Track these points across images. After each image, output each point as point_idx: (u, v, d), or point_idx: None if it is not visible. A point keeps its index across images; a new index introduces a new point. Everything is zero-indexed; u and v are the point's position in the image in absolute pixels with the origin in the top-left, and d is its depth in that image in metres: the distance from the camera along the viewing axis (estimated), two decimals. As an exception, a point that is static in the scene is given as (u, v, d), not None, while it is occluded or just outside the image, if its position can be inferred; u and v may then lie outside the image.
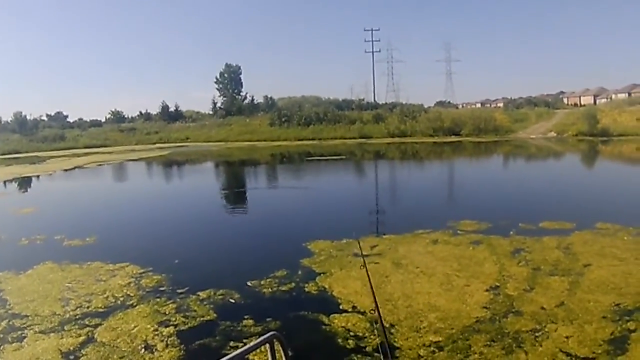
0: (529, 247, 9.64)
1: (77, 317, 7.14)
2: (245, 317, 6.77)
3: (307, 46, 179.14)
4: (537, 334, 5.85)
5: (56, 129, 75.76)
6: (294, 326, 6.53)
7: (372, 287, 4.24)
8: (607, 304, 6.65)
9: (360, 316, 6.56)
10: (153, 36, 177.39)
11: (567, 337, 5.73)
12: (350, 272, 8.44)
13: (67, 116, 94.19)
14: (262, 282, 8.13)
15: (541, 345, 5.58)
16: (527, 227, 11.25)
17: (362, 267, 4.70)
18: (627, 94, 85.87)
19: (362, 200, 17.59)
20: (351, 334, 6.14)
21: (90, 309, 7.44)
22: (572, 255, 9.02)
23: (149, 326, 6.66)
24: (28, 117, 76.62)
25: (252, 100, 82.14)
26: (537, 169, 27.88)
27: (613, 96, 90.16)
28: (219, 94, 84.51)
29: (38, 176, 31.25)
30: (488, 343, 5.72)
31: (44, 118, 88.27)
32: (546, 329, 5.95)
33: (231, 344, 6.02)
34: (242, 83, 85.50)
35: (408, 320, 6.37)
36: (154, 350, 6.02)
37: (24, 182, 28.39)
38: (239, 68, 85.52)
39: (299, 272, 8.64)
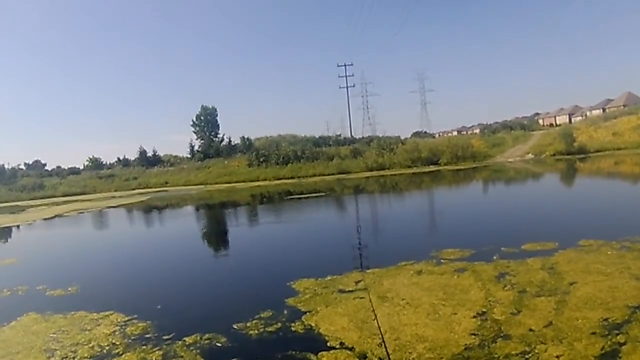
0: (514, 270, 9.64)
1: (63, 368, 6.96)
2: (233, 360, 6.65)
3: (281, 85, 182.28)
4: (527, 356, 5.80)
5: (35, 177, 75.58)
6: (282, 367, 6.41)
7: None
8: (596, 320, 6.65)
9: (349, 352, 6.46)
10: (128, 80, 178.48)
11: (557, 357, 5.69)
12: (336, 308, 8.34)
13: (45, 164, 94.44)
14: (248, 324, 8.00)
15: (532, 368, 5.55)
16: (510, 250, 11.29)
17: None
18: (601, 110, 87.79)
19: (345, 235, 17.53)
20: (341, 370, 6.05)
21: (76, 359, 7.24)
22: (557, 274, 9.05)
23: (134, 377, 6.50)
24: (6, 166, 76.30)
25: (230, 141, 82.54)
26: (516, 192, 28.18)
27: (588, 113, 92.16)
28: (196, 137, 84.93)
29: (18, 226, 30.90)
30: (479, 370, 5.67)
31: (22, 167, 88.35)
32: (536, 350, 5.91)
33: (219, 389, 5.91)
34: (218, 125, 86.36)
35: (396, 353, 6.29)
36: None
37: (4, 232, 28.02)
38: (215, 110, 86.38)
39: (285, 312, 8.52)
